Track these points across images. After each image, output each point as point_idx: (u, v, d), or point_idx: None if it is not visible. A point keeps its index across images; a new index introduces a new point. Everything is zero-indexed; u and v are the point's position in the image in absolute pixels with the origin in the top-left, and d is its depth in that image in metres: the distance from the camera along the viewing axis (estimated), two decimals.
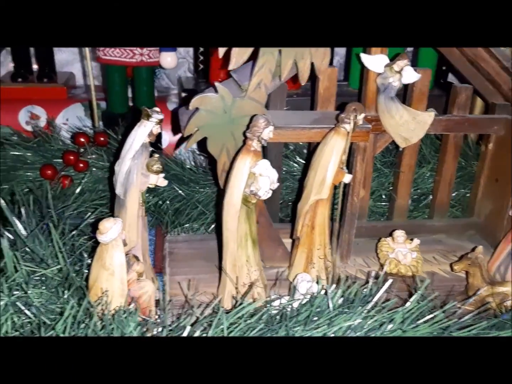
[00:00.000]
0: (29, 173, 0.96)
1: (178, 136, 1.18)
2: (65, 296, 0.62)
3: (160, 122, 0.71)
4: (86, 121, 1.23)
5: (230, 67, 0.69)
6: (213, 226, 0.95)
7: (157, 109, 0.72)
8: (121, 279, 0.62)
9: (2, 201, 0.67)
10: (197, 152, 1.02)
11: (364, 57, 0.80)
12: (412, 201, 0.97)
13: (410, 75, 0.81)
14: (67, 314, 0.54)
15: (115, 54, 1.02)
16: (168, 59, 1.07)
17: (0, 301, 0.56)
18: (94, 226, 0.79)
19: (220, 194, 0.87)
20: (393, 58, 0.80)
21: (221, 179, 0.76)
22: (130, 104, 1.17)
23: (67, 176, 0.93)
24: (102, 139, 0.96)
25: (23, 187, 0.95)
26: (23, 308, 0.56)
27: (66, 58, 1.44)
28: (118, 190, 0.72)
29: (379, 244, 0.82)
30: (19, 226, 0.67)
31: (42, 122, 1.23)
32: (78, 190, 0.88)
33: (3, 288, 0.57)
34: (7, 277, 0.58)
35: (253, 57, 0.71)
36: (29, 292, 0.57)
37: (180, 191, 0.94)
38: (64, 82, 1.32)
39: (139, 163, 0.70)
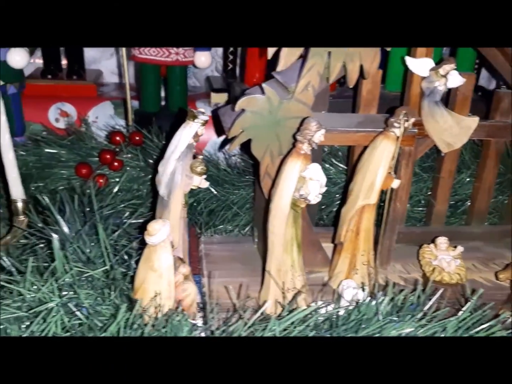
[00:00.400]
0: (63, 171, 0.95)
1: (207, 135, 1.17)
2: (111, 298, 0.62)
3: (205, 123, 0.70)
4: (115, 119, 1.22)
5: (279, 69, 0.68)
6: (247, 228, 0.94)
7: (202, 110, 0.71)
8: (169, 281, 0.61)
9: (47, 200, 0.66)
10: (231, 154, 1.01)
11: (409, 60, 0.79)
12: (449, 207, 0.96)
13: (455, 80, 0.80)
14: (121, 316, 0.53)
15: (151, 53, 1.02)
16: (202, 58, 1.06)
17: (50, 302, 0.55)
18: (138, 227, 0.79)
19: (257, 196, 0.86)
20: (438, 62, 0.79)
21: (263, 182, 0.75)
22: (162, 103, 1.17)
23: (102, 175, 0.92)
24: (137, 138, 0.96)
25: (57, 185, 0.94)
26: (74, 309, 0.55)
27: (94, 55, 1.44)
28: (162, 191, 0.71)
29: (421, 250, 0.81)
30: (65, 225, 0.66)
31: (72, 120, 1.22)
32: (116, 189, 0.87)
33: (53, 289, 0.56)
34: (56, 278, 0.57)
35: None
36: (79, 293, 0.57)
37: (215, 192, 0.93)
38: (93, 80, 1.32)
39: (184, 164, 0.70)
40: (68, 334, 0.54)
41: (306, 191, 0.62)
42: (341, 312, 0.64)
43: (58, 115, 1.23)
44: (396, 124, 0.69)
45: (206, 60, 1.06)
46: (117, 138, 0.95)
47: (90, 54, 1.43)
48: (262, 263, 0.71)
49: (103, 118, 1.22)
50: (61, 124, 1.22)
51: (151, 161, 0.97)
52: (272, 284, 0.69)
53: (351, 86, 0.72)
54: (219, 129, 0.76)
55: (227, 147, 0.96)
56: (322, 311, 0.63)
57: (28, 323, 0.57)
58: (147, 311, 0.57)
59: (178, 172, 0.70)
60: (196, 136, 0.70)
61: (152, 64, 1.05)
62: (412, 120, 0.69)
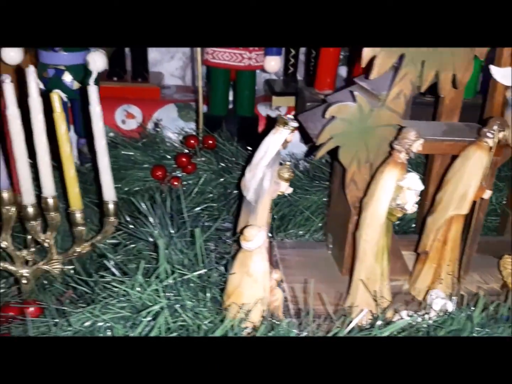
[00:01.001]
0: (138, 173, 0.97)
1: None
2: (206, 301, 0.63)
3: (294, 130, 0.71)
4: (179, 122, 1.24)
5: (372, 77, 0.68)
6: (318, 234, 0.94)
7: (291, 116, 0.71)
8: (264, 287, 0.62)
9: (143, 205, 0.68)
10: (302, 158, 1.02)
11: (493, 69, 0.78)
12: None
13: None
14: (229, 321, 0.54)
15: (224, 58, 1.03)
16: (272, 63, 1.07)
17: (157, 303, 0.57)
18: (217, 229, 0.80)
19: (333, 202, 0.87)
20: None
21: (348, 189, 0.75)
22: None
23: (177, 177, 0.94)
24: (210, 142, 0.97)
25: (133, 186, 0.97)
26: (180, 311, 0.56)
27: (155, 58, 1.47)
28: (250, 196, 0.72)
29: (502, 261, 0.80)
30: (158, 228, 0.68)
31: (137, 122, 1.25)
32: (194, 191, 0.88)
33: (158, 290, 0.58)
34: (161, 280, 0.59)
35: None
36: (183, 295, 0.58)
37: (288, 196, 0.94)
38: (156, 82, 1.34)
39: (273, 171, 0.71)
40: (174, 335, 0.56)
41: (403, 201, 0.62)
42: (431, 322, 0.64)
43: (124, 117, 1.25)
44: (489, 134, 0.68)
45: (275, 65, 1.07)
46: (192, 141, 0.96)
47: (151, 56, 1.45)
48: (352, 269, 0.71)
49: (167, 120, 1.24)
50: (127, 126, 1.25)
51: (223, 164, 0.98)
52: (360, 293, 0.69)
53: (442, 96, 0.72)
54: (302, 135, 0.77)
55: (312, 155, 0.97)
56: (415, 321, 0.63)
57: (129, 323, 0.59)
58: (248, 315, 0.58)
59: (267, 179, 0.70)
60: (285, 142, 0.71)
61: (223, 69, 1.06)
62: (508, 131, 0.68)
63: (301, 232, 0.94)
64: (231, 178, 0.96)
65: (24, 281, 0.75)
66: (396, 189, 0.63)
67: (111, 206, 0.73)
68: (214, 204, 0.91)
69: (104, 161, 0.71)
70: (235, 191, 0.94)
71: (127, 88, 1.29)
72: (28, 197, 0.70)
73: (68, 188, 0.71)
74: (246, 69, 1.05)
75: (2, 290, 0.74)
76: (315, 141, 0.72)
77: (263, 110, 1.26)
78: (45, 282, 0.76)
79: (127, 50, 1.34)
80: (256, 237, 0.61)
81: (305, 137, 0.77)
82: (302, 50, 1.37)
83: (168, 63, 1.49)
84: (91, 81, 0.68)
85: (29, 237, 0.77)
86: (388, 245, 0.68)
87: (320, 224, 0.94)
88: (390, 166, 0.63)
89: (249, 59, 1.04)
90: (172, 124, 1.22)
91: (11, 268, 0.74)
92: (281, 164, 0.72)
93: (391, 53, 0.66)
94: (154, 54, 1.46)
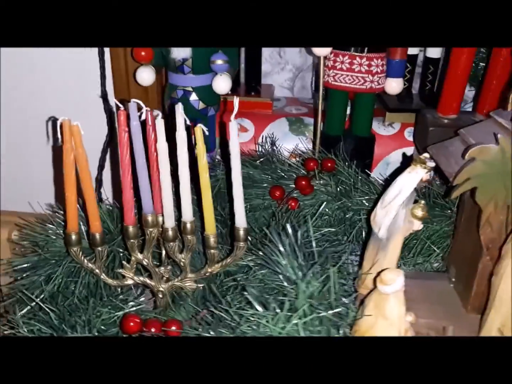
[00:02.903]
0: (256, 191, 1.01)
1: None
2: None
3: (431, 169, 0.70)
4: (290, 136, 1.26)
5: None
6: (437, 264, 0.92)
7: (427, 155, 0.71)
8: (399, 331, 0.63)
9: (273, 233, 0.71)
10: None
11: None
12: None
13: None
14: None
15: (345, 81, 1.03)
16: (393, 84, 1.05)
17: None
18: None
19: (460, 236, 0.85)
20: None
21: (483, 229, 0.73)
22: None
23: (295, 198, 0.96)
24: (329, 164, 0.98)
25: (251, 203, 1.00)
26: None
27: (266, 69, 1.49)
28: (382, 234, 0.72)
29: None
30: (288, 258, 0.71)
31: (249, 136, 1.29)
32: (318, 212, 0.90)
33: (298, 327, 0.60)
34: (299, 317, 0.61)
35: None
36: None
37: None
38: (267, 95, 1.37)
39: (407, 210, 0.70)
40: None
41: None
42: None
43: (238, 130, 1.29)
44: None
45: (397, 86, 1.05)
46: (311, 164, 0.98)
47: (262, 67, 1.48)
48: (469, 307, 0.70)
49: (278, 134, 1.27)
50: (240, 139, 1.29)
51: (341, 187, 0.99)
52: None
53: None
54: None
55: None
56: None
57: None
58: None
59: (401, 218, 0.71)
60: (420, 181, 0.70)
61: (343, 91, 1.06)
62: None
63: (419, 261, 0.93)
64: (349, 202, 0.96)
65: (160, 296, 0.81)
66: None
67: (241, 232, 0.77)
68: (332, 229, 0.92)
69: (238, 189, 0.74)
70: (354, 216, 0.95)
71: (240, 101, 1.33)
72: (169, 221, 0.76)
73: (205, 214, 0.76)
74: (368, 92, 1.04)
75: (142, 305, 0.80)
76: (451, 181, 0.70)
77: (375, 126, 1.25)
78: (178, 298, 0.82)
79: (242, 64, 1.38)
80: (394, 282, 0.61)
81: (437, 171, 0.76)
82: (419, 62, 1.33)
83: (278, 75, 1.51)
84: (235, 108, 0.71)
85: (163, 254, 0.83)
86: None
87: (441, 255, 0.92)
88: None
89: (371, 82, 1.03)
90: (283, 138, 1.24)
91: (150, 282, 0.81)
92: (415, 202, 0.72)
93: None
94: (265, 66, 1.49)
